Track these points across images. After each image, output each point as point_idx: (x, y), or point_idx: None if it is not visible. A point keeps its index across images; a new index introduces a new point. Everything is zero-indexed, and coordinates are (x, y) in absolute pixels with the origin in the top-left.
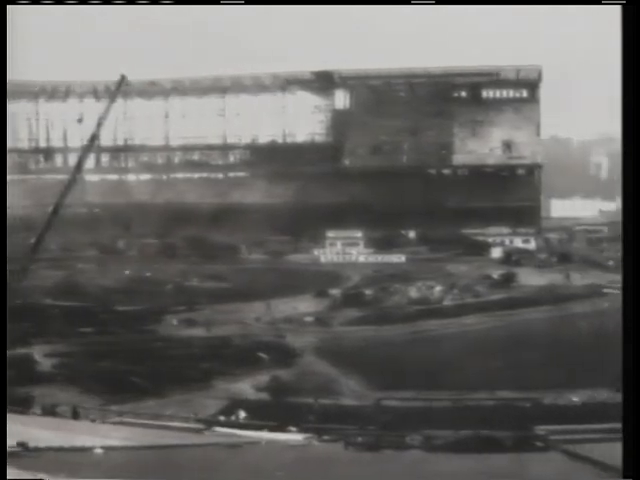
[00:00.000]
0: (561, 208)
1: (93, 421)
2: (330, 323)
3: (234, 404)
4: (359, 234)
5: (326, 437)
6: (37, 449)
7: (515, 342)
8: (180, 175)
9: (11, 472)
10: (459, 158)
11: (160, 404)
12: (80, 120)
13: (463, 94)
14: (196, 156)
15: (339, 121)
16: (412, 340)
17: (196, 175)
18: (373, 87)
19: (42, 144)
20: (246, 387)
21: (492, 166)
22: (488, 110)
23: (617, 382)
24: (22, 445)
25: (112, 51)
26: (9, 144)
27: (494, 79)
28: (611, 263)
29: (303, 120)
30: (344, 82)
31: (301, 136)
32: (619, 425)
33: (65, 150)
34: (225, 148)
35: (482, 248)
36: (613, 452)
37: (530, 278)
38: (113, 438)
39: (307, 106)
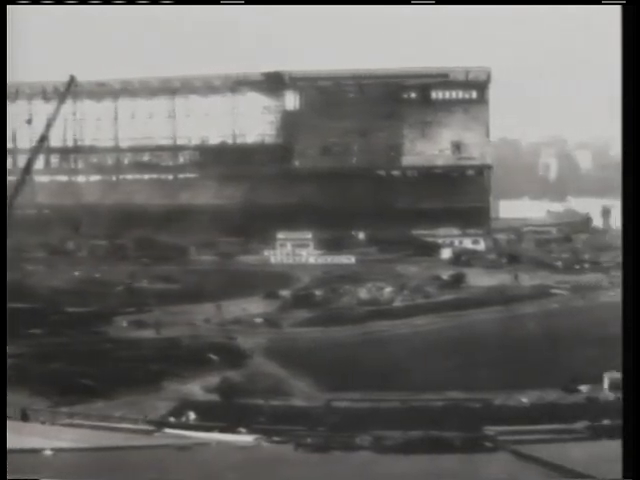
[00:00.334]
0: (510, 209)
1: (43, 423)
2: (280, 324)
3: (184, 405)
4: (309, 235)
5: (276, 438)
6: None
7: (465, 343)
8: (130, 176)
9: None
10: (409, 159)
11: (110, 406)
12: (29, 121)
13: (413, 95)
14: (146, 157)
15: (289, 122)
16: (362, 341)
17: (146, 176)
18: (323, 88)
19: None
20: (196, 388)
21: (441, 167)
22: (437, 111)
23: (566, 383)
24: None
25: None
26: None
27: (443, 80)
28: (559, 264)
29: (253, 121)
30: (294, 83)
31: (251, 137)
32: (567, 426)
33: (14, 151)
34: (175, 149)
35: (432, 249)
36: (561, 452)
37: (479, 279)
38: (63, 440)
39: (257, 107)
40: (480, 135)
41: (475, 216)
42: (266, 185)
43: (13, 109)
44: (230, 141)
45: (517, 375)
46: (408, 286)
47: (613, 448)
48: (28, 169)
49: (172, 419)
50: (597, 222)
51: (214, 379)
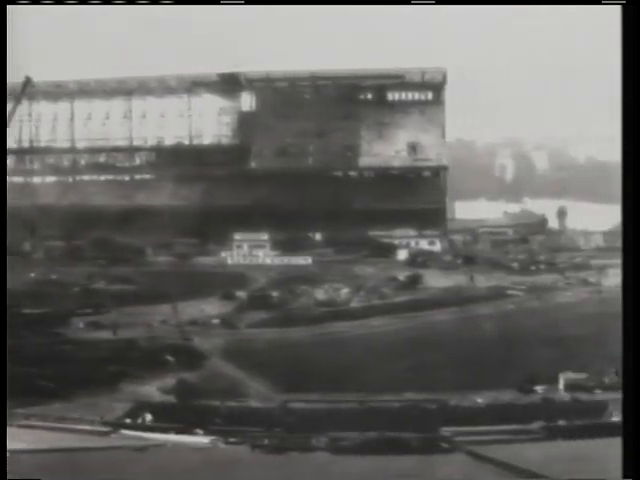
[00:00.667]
0: (466, 210)
1: None
2: (237, 325)
3: (140, 407)
4: (266, 236)
5: (232, 439)
6: None
7: (421, 344)
8: (86, 177)
9: None
10: (365, 160)
11: (67, 407)
12: None
13: (369, 96)
14: (102, 158)
15: (245, 123)
16: (319, 342)
17: (102, 177)
18: (279, 89)
19: None
20: (152, 390)
21: (398, 168)
22: (394, 112)
23: (522, 383)
24: None
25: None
26: None
27: (399, 81)
28: (515, 265)
29: (209, 122)
30: (250, 84)
31: (207, 138)
32: (523, 427)
33: None
34: (131, 150)
35: (388, 250)
36: (517, 453)
37: (435, 280)
38: (20, 441)
39: (213, 108)
40: (436, 136)
41: (431, 217)
42: (222, 186)
43: None
44: (186, 142)
45: (473, 376)
46: (365, 287)
47: (568, 448)
48: None
49: (128, 420)
50: (553, 223)
51: (171, 380)
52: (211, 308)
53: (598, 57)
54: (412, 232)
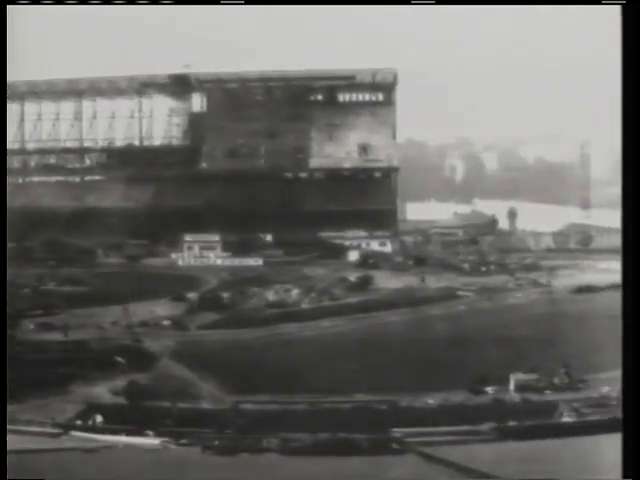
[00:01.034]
0: (417, 211)
1: None
2: (188, 327)
3: (91, 408)
4: (216, 238)
5: (183, 441)
6: None
7: (372, 345)
8: (36, 178)
9: None
10: (316, 161)
11: (18, 409)
12: None
13: (320, 97)
14: (52, 159)
15: (196, 124)
16: (269, 343)
17: (53, 178)
18: (230, 90)
19: None
20: (103, 391)
21: (349, 169)
22: (345, 113)
23: (472, 384)
24: None
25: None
26: None
27: (350, 82)
28: (465, 266)
29: (160, 123)
30: (201, 85)
31: (158, 139)
32: (473, 427)
33: None
34: (81, 151)
35: (339, 251)
36: (468, 453)
37: (386, 281)
38: None
39: (164, 109)
40: (387, 137)
41: (382, 218)
42: (173, 187)
43: None
44: (137, 143)
45: (424, 377)
46: (316, 288)
47: (518, 449)
48: None
49: (79, 422)
50: (503, 224)
51: (121, 382)
52: (162, 309)
53: (549, 57)
54: (363, 233)
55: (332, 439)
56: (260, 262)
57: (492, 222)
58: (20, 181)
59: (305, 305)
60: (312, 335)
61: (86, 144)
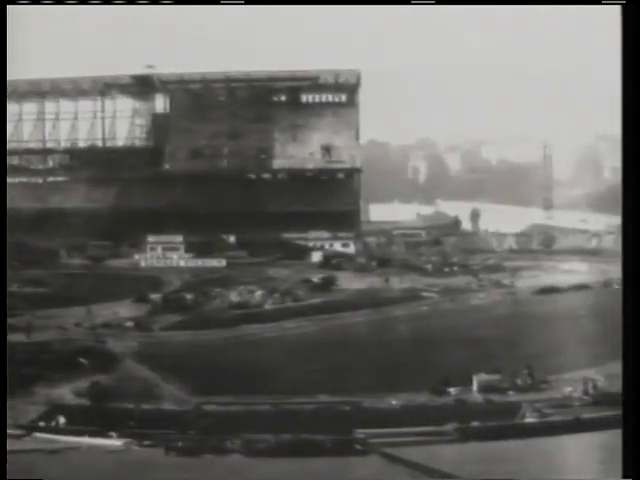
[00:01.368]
0: (380, 212)
1: None
2: (151, 328)
3: (54, 410)
4: (179, 239)
5: (146, 442)
6: None
7: (335, 346)
8: None
9: None
10: (279, 162)
11: None
12: None
13: (283, 98)
14: (15, 161)
15: (159, 125)
16: (233, 344)
17: (16, 180)
18: (193, 91)
19: None
20: (66, 392)
21: (312, 170)
22: (308, 114)
23: (435, 385)
24: None
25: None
26: None
27: (313, 83)
28: (429, 267)
29: (123, 124)
30: (163, 86)
31: (121, 140)
32: (437, 428)
33: None
34: (44, 152)
35: (302, 252)
36: (431, 454)
37: (349, 282)
38: None
39: (127, 110)
40: (350, 138)
41: (345, 219)
42: (136, 188)
43: None
44: (100, 144)
45: (387, 378)
46: (279, 289)
47: (481, 450)
48: None
49: (42, 423)
50: (466, 225)
51: (84, 383)
52: (125, 311)
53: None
54: (326, 234)
55: (295, 440)
56: (223, 263)
57: (455, 223)
58: None
59: (269, 306)
60: (276, 336)
61: (49, 145)
